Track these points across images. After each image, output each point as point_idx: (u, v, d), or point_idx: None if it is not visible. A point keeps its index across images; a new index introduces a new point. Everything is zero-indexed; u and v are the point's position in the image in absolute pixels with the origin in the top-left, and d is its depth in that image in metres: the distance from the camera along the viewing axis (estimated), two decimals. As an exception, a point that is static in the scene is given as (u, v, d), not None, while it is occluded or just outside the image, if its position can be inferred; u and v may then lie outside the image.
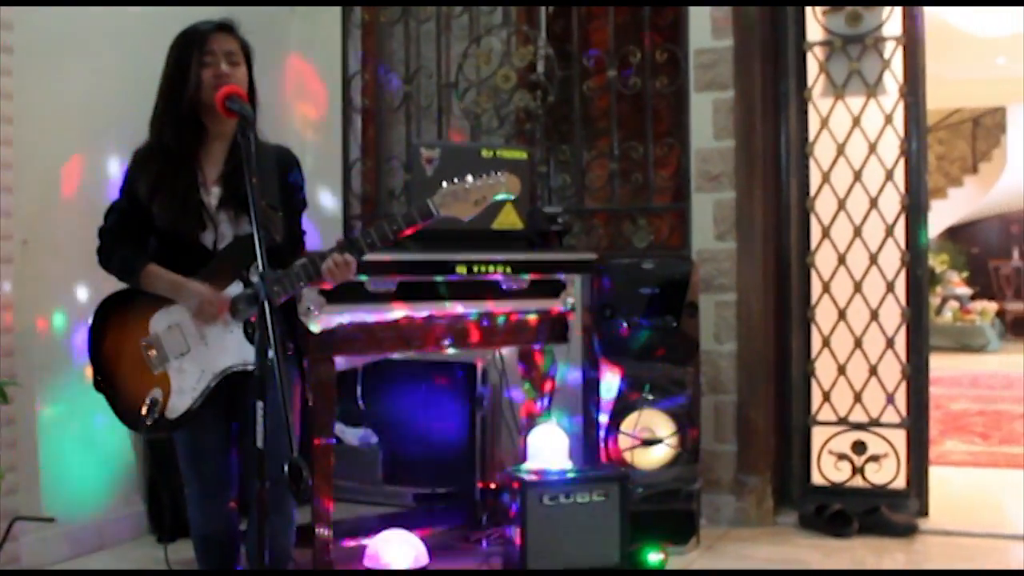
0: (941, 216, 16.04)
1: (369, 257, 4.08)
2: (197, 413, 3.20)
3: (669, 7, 5.50)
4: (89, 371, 3.30)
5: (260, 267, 2.80)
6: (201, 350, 3.21)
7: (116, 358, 3.26)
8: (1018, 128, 15.68)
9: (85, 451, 4.77)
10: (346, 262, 3.18)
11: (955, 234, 17.96)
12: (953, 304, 15.35)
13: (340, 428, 5.32)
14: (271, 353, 2.72)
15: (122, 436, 4.95)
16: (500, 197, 3.31)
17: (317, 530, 4.13)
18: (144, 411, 3.17)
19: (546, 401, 4.84)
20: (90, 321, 3.31)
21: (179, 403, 3.20)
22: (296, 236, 3.41)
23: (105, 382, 3.28)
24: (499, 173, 3.32)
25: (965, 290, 16.18)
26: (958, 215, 17.17)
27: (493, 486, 5.11)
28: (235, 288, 3.21)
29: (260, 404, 2.74)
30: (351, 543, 4.52)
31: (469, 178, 3.26)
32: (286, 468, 2.63)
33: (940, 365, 5.41)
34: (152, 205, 3.21)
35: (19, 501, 4.42)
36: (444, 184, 3.25)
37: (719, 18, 5.29)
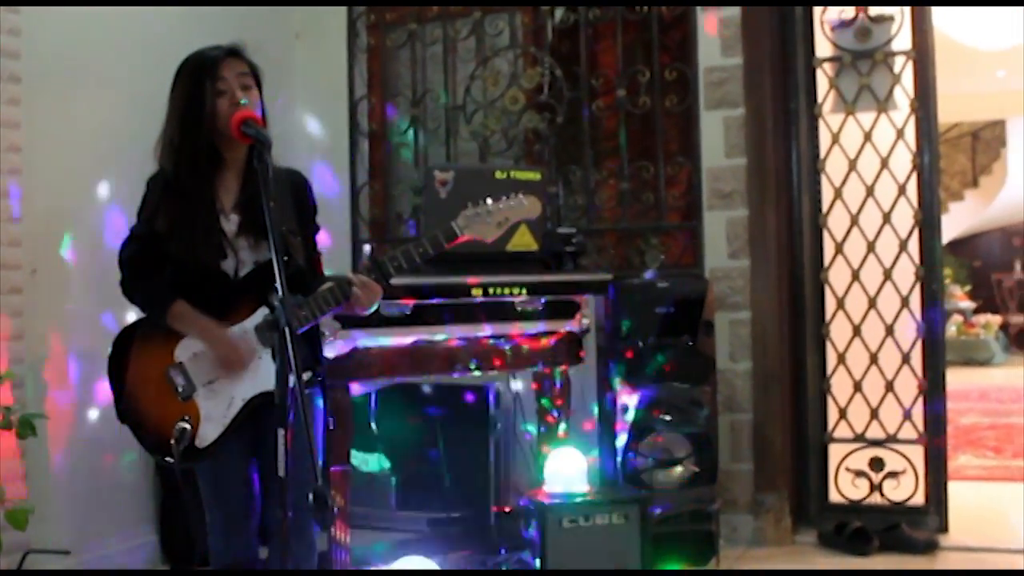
0: (943, 230, 15.97)
1: (383, 281, 4.09)
2: (227, 441, 3.16)
3: (677, 26, 5.48)
4: (106, 405, 3.25)
5: (280, 293, 2.76)
6: (229, 377, 3.18)
7: (141, 387, 3.20)
8: (1018, 141, 15.67)
9: (96, 481, 4.73)
10: (374, 289, 3.18)
11: (957, 248, 17.94)
12: (957, 318, 15.32)
13: (352, 454, 5.27)
14: (292, 380, 2.69)
15: (132, 466, 4.91)
16: (523, 219, 3.35)
17: (333, 558, 4.08)
18: (173, 440, 3.12)
19: (562, 423, 4.79)
20: (111, 350, 3.25)
21: (209, 431, 3.15)
22: (313, 259, 3.38)
23: (130, 412, 3.22)
24: (520, 195, 3.33)
25: (968, 304, 16.16)
26: (960, 229, 17.15)
27: (508, 510, 5.07)
28: (261, 313, 3.18)
29: (281, 432, 2.70)
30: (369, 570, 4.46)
31: (490, 201, 3.27)
32: (311, 496, 2.59)
33: (947, 379, 5.36)
34: (172, 239, 3.18)
35: (31, 533, 4.36)
36: (468, 206, 3.27)
37: (728, 36, 5.27)
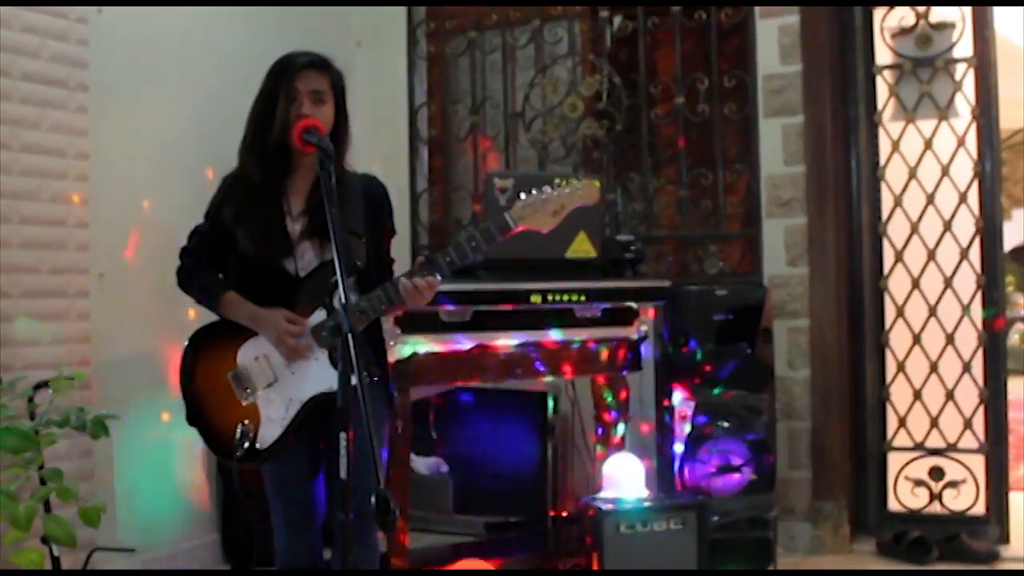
0: (1006, 237, 15.75)
1: (443, 287, 4.12)
2: (286, 443, 3.21)
3: (735, 33, 5.48)
4: (166, 412, 3.31)
5: (343, 297, 2.80)
6: (288, 379, 3.22)
7: (206, 391, 3.27)
8: (1082, 146, 15.44)
9: (160, 481, 4.80)
10: (428, 283, 3.14)
11: (1020, 256, 17.68)
12: (1020, 327, 15.10)
13: (411, 457, 5.31)
14: (355, 381, 2.71)
15: (196, 465, 4.98)
16: (579, 205, 3.23)
17: (393, 561, 4.12)
18: (235, 443, 3.17)
19: (620, 429, 4.81)
20: (181, 355, 3.32)
21: (269, 433, 3.20)
22: (384, 263, 3.41)
23: (196, 416, 3.29)
24: (577, 180, 3.25)
25: (1032, 312, 15.91)
26: (1021, 236, 16.91)
27: (565, 515, 5.08)
28: (320, 315, 3.20)
29: (343, 435, 2.74)
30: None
31: (547, 188, 3.17)
32: (373, 500, 2.61)
33: (1010, 388, 5.31)
34: (237, 230, 3.24)
35: (95, 531, 4.43)
36: (522, 196, 3.17)
37: (787, 43, 5.26)
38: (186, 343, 3.33)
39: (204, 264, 3.35)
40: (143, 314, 4.71)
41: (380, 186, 3.46)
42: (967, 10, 5.23)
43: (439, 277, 3.17)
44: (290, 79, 3.22)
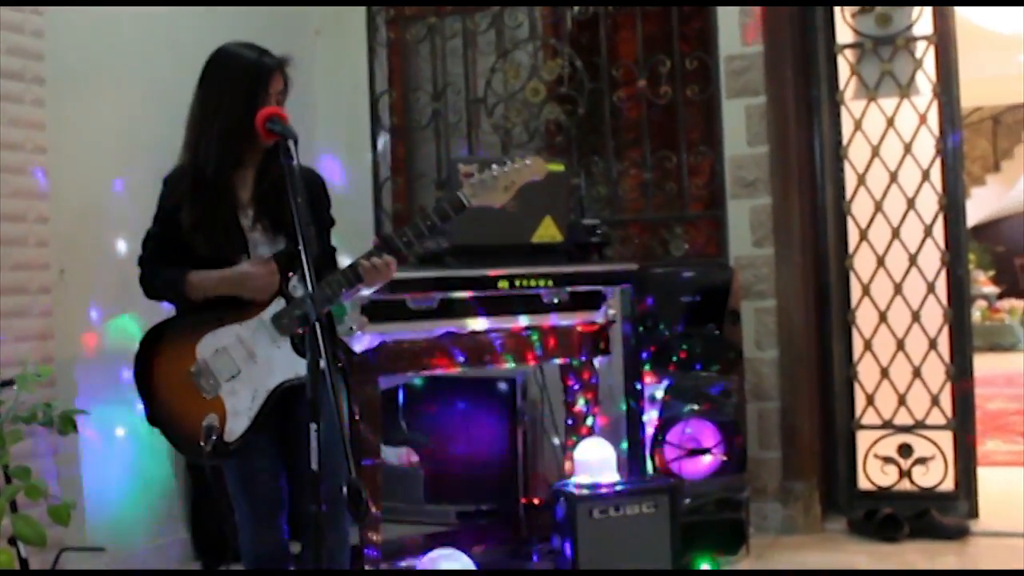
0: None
1: (410, 275, 4.12)
2: (254, 435, 3.18)
3: (697, 15, 5.47)
4: (132, 408, 3.28)
5: (310, 285, 2.78)
6: (251, 369, 3.19)
7: (166, 389, 3.23)
8: (1040, 124, 15.59)
9: (127, 479, 4.75)
10: (385, 263, 3.15)
11: (979, 233, 17.80)
12: (981, 303, 15.22)
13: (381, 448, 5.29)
14: (323, 372, 2.70)
15: (163, 463, 4.93)
16: (529, 180, 3.32)
17: (365, 552, 4.10)
18: (202, 438, 3.14)
19: (590, 414, 4.80)
20: (135, 356, 3.28)
21: (236, 426, 3.16)
22: (328, 253, 3.41)
23: (158, 415, 3.25)
24: (525, 157, 3.33)
25: (992, 289, 16.05)
26: (982, 214, 17.04)
27: (537, 502, 5.08)
28: (277, 305, 3.19)
29: (314, 426, 2.71)
30: (401, 564, 4.48)
31: (495, 166, 3.26)
32: (345, 489, 2.59)
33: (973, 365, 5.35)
34: (195, 236, 3.21)
35: (63, 531, 4.37)
36: (473, 175, 3.25)
37: (748, 24, 5.26)
38: (138, 344, 3.29)
39: (162, 267, 3.29)
40: (105, 309, 4.66)
41: (319, 178, 3.44)
42: (926, -12, 5.25)
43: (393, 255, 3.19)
44: (267, 83, 3.19)
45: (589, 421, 4.80)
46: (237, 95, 3.18)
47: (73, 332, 4.56)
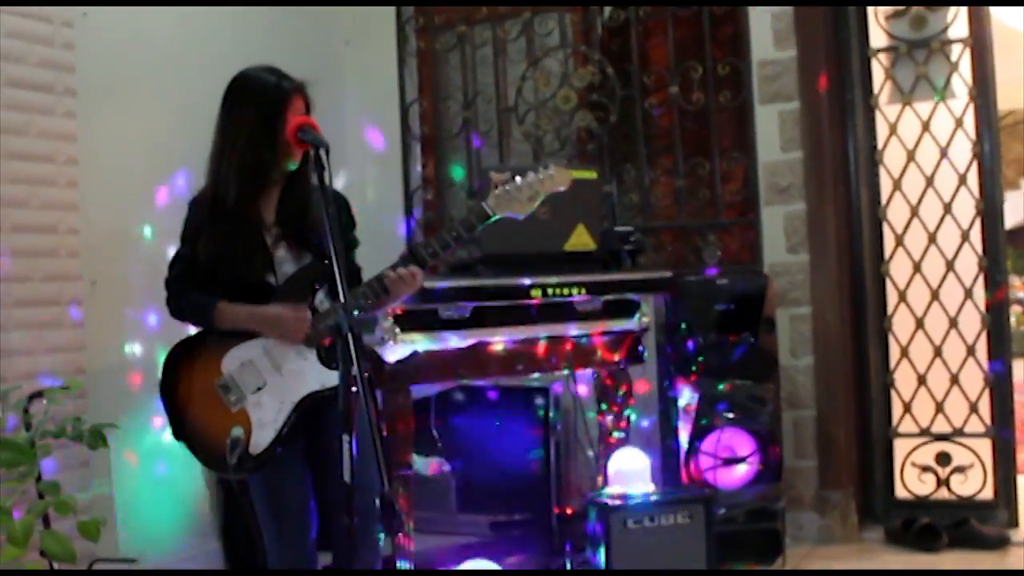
0: (1002, 219, 15.74)
1: (442, 284, 4.09)
2: (279, 448, 3.17)
3: (729, 20, 5.43)
4: (163, 421, 3.28)
5: (342, 296, 2.77)
6: (277, 381, 3.20)
7: (192, 404, 3.24)
8: (1075, 128, 15.42)
9: (159, 490, 4.74)
10: (411, 273, 3.17)
11: (1014, 237, 17.61)
12: (1016, 308, 15.07)
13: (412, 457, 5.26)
14: (355, 385, 2.68)
15: (195, 474, 4.92)
16: (553, 190, 3.31)
17: (398, 563, 4.07)
18: (228, 451, 3.13)
19: (624, 424, 4.76)
20: (161, 370, 3.29)
21: (262, 437, 3.17)
22: (353, 272, 3.41)
23: (183, 429, 3.25)
24: (549, 167, 3.33)
25: (1028, 294, 15.89)
26: (1016, 218, 16.86)
27: (570, 512, 5.04)
28: None
29: (346, 438, 2.69)
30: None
31: (518, 177, 3.27)
32: (378, 502, 2.57)
33: (1014, 370, 5.29)
34: (216, 263, 3.22)
35: (95, 542, 4.39)
36: (497, 185, 3.25)
37: (781, 28, 5.22)
38: (164, 360, 3.30)
39: (191, 288, 3.30)
40: (137, 320, 4.66)
41: (343, 199, 3.43)
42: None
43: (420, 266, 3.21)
44: (285, 108, 3.19)
45: (623, 430, 4.74)
46: (255, 121, 3.20)
47: (105, 343, 4.56)
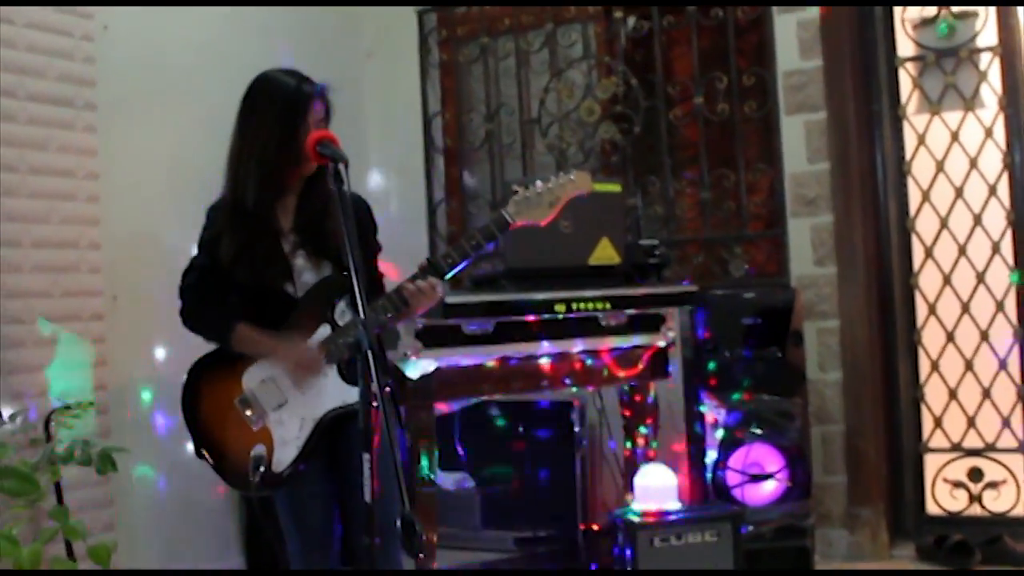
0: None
1: (465, 299, 4.05)
2: (301, 464, 3.14)
3: (753, 29, 5.38)
4: (185, 438, 3.26)
5: (361, 312, 2.72)
6: (298, 398, 3.18)
7: (214, 421, 3.22)
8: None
9: (181, 505, 4.72)
10: (431, 285, 3.13)
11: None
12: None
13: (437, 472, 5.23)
14: (377, 401, 2.64)
15: (218, 487, 4.88)
16: (573, 195, 3.26)
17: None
18: (250, 469, 3.10)
19: (650, 439, 4.70)
20: (182, 387, 3.26)
21: (284, 455, 3.15)
22: (375, 279, 3.36)
23: (206, 447, 3.22)
24: (569, 172, 3.27)
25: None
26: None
27: (596, 528, 4.99)
28: (323, 331, 3.18)
29: (367, 456, 2.65)
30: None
31: (539, 182, 3.22)
32: (399, 523, 2.53)
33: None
34: (236, 266, 3.18)
35: (118, 560, 4.36)
36: (518, 191, 3.21)
37: (807, 38, 5.16)
38: (185, 376, 3.28)
39: (207, 301, 3.28)
40: (159, 335, 4.63)
41: (365, 203, 3.39)
42: (990, -2, 5.12)
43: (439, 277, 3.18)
44: (306, 111, 3.16)
45: (649, 446, 4.69)
46: (275, 123, 3.17)
47: (126, 358, 4.53)
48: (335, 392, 3.15)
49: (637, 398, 4.69)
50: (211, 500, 4.86)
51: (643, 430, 4.70)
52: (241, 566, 5.00)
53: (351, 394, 3.02)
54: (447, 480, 5.35)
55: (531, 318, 4.27)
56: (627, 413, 4.75)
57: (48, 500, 3.66)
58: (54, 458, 3.25)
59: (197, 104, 4.82)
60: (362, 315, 2.72)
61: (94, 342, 4.36)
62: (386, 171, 5.99)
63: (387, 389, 3.19)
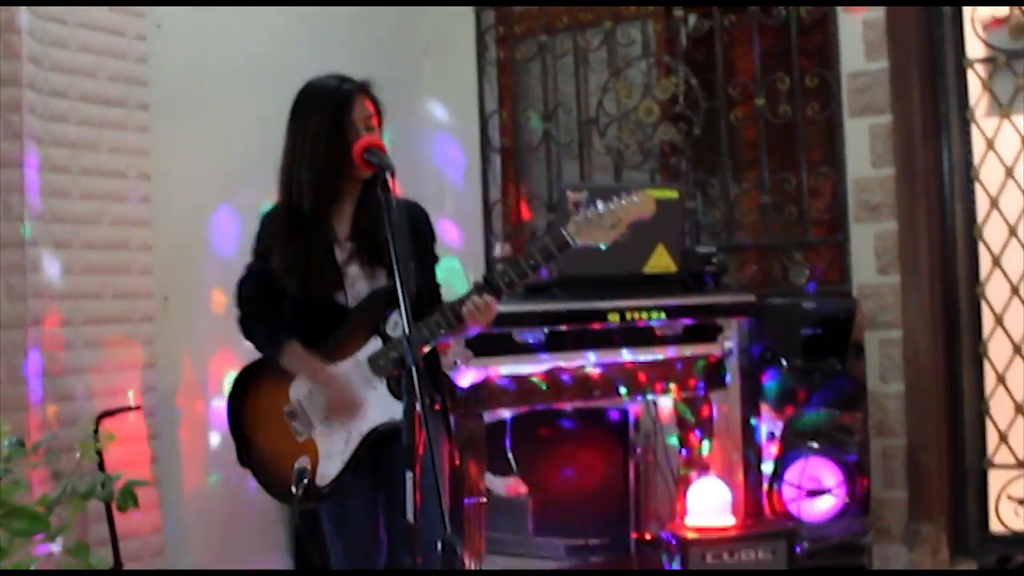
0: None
1: (517, 308, 4.00)
2: (347, 479, 3.12)
3: (817, 29, 5.26)
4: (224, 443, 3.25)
5: (406, 328, 2.68)
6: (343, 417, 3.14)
7: (259, 429, 3.23)
8: None
9: (230, 507, 4.70)
10: (487, 303, 3.10)
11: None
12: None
13: (488, 478, 5.19)
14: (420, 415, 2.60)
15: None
16: (635, 219, 3.20)
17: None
18: (293, 482, 3.07)
19: (705, 451, 4.63)
20: (228, 396, 3.26)
21: (329, 469, 3.14)
22: (433, 289, 3.33)
23: (250, 455, 3.21)
24: (633, 193, 3.21)
25: None
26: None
27: (649, 537, 4.94)
28: (374, 343, 3.16)
29: (410, 476, 2.61)
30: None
31: (599, 203, 3.16)
32: (439, 545, 2.50)
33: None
34: (288, 276, 3.17)
35: (167, 562, 4.37)
36: (579, 211, 3.16)
37: (873, 39, 5.04)
38: (232, 384, 3.28)
39: (263, 311, 3.27)
40: (210, 337, 4.62)
41: (423, 212, 3.36)
42: (1064, -2, 4.97)
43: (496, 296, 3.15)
44: (350, 108, 3.14)
45: (703, 457, 4.63)
46: (321, 125, 3.15)
47: (177, 360, 4.53)
48: (383, 407, 3.13)
49: (692, 408, 4.63)
50: (260, 503, 4.84)
51: (697, 441, 4.63)
52: (290, 567, 4.98)
53: (399, 409, 2.98)
54: (498, 485, 5.31)
55: (584, 328, 4.20)
56: (682, 423, 4.68)
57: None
58: (74, 493, 3.21)
59: (250, 104, 4.79)
60: (407, 331, 2.69)
61: (144, 344, 4.35)
62: (442, 170, 5.94)
63: (436, 406, 3.18)
